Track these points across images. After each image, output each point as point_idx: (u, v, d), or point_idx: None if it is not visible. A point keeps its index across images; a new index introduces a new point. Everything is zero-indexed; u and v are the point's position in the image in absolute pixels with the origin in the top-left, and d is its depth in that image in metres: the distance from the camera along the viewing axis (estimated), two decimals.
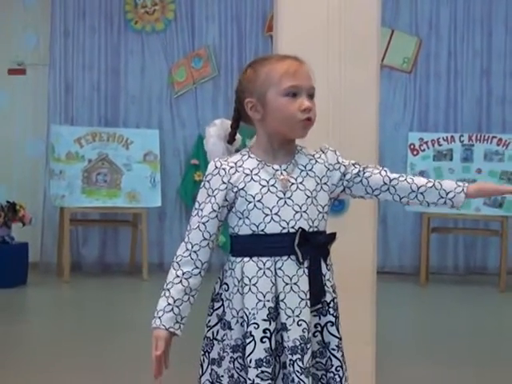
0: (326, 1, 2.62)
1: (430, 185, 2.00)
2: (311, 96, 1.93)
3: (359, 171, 2.01)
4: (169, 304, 1.89)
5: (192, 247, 1.91)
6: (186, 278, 1.89)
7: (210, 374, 1.95)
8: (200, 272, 1.91)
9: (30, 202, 7.01)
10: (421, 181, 2.02)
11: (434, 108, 7.53)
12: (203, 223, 1.91)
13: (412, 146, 6.95)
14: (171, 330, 1.89)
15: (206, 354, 1.95)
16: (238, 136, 2.04)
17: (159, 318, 1.91)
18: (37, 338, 4.69)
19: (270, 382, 1.85)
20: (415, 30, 7.56)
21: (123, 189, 6.95)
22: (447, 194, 1.99)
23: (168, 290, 1.90)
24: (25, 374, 3.83)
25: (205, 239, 1.91)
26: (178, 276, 1.90)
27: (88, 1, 7.42)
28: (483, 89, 7.53)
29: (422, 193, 2.00)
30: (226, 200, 1.92)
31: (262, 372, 1.85)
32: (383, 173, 2.04)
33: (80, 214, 7.13)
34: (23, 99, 7.47)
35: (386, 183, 2.02)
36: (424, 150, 6.92)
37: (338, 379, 1.92)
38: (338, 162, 2.00)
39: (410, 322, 5.44)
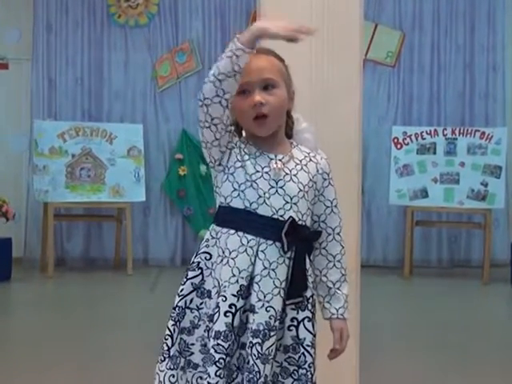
0: None
1: (330, 285, 2.02)
2: (270, 86, 1.91)
3: (326, 208, 2.01)
4: None
5: None
6: None
7: (179, 344, 1.93)
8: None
9: (14, 198, 6.98)
10: (334, 276, 2.02)
11: (417, 102, 7.56)
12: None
13: (396, 140, 6.97)
14: None
15: (178, 323, 1.94)
16: None
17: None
18: (21, 334, 4.67)
19: (223, 356, 1.84)
20: (398, 24, 7.58)
21: (107, 183, 6.93)
22: (329, 302, 2.02)
23: None
24: (8, 370, 3.82)
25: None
26: None
27: None
28: (466, 83, 7.57)
29: (323, 275, 2.02)
30: (231, 142, 1.91)
31: (218, 345, 1.85)
32: (330, 237, 2.02)
33: (64, 209, 7.11)
34: (6, 94, 7.43)
35: (323, 241, 2.02)
36: (408, 144, 6.95)
37: (310, 376, 1.93)
38: (327, 173, 2.01)
39: (394, 315, 5.47)
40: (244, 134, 2.01)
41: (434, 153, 6.91)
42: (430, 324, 5.07)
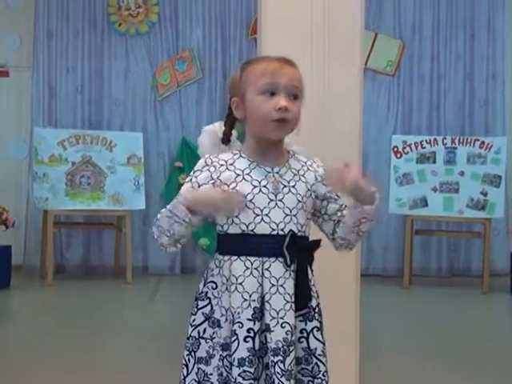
0: (309, 4, 2.64)
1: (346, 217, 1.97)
2: (295, 97, 1.90)
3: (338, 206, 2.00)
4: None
5: None
6: None
7: (197, 374, 1.93)
8: None
9: (14, 205, 6.98)
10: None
11: (417, 111, 7.57)
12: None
13: (395, 149, 6.97)
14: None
15: (192, 353, 1.94)
16: (234, 132, 2.02)
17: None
18: (20, 342, 4.66)
19: (251, 382, 1.85)
20: (398, 33, 7.59)
21: (107, 191, 6.92)
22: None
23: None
24: (7, 377, 3.81)
25: None
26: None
27: (72, 3, 7.40)
28: (466, 92, 7.58)
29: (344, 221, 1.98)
30: None
31: (244, 371, 1.85)
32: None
33: (63, 217, 7.11)
34: (6, 102, 7.44)
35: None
36: (407, 153, 6.95)
37: None
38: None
39: (394, 323, 5.46)
40: (234, 141, 2.02)
41: (434, 162, 6.91)
42: (429, 333, 5.06)
